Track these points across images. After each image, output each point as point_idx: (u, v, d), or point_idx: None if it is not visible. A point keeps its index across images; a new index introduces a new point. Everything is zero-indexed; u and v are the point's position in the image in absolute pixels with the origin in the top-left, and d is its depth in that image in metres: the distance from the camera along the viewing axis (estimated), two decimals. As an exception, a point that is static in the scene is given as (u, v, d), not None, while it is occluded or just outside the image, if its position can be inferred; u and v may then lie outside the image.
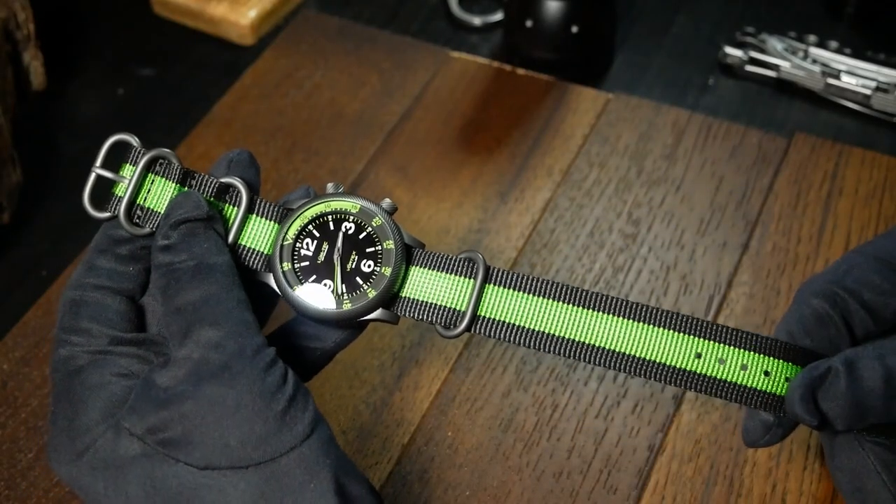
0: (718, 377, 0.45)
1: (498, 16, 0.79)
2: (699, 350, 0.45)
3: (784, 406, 0.44)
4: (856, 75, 0.72)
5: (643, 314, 0.45)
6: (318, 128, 0.71)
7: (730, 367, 0.45)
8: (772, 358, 0.45)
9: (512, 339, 0.46)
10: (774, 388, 0.45)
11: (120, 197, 0.44)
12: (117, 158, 0.45)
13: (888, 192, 0.66)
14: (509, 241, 0.64)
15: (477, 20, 0.80)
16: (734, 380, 0.45)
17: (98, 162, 0.45)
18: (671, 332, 0.45)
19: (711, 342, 0.45)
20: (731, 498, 0.53)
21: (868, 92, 0.71)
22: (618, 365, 0.45)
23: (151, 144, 0.45)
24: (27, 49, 0.70)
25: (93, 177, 0.45)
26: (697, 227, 0.65)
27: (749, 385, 0.45)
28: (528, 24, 0.73)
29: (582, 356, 0.46)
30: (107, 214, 0.44)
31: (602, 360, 0.45)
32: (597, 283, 0.62)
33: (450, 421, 0.56)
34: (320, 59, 0.76)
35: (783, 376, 0.45)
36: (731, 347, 0.45)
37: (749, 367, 0.45)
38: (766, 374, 0.45)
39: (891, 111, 0.72)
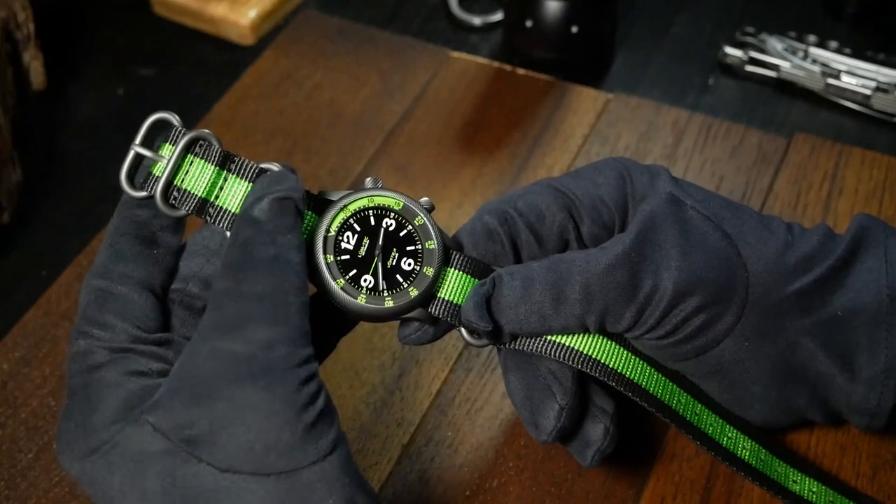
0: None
1: (498, 16, 0.79)
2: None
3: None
4: (856, 75, 0.72)
5: None
6: (318, 128, 0.71)
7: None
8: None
9: (542, 351, 0.48)
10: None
11: (157, 177, 0.43)
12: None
13: (888, 192, 0.66)
14: (509, 241, 0.64)
15: (477, 20, 0.80)
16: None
17: (138, 140, 0.44)
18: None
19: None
20: (731, 498, 0.53)
21: (868, 92, 0.71)
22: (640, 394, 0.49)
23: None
24: (27, 49, 0.70)
25: (131, 154, 0.44)
26: (697, 227, 0.65)
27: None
28: (528, 24, 0.73)
29: (610, 378, 0.48)
30: (143, 193, 0.44)
31: (627, 387, 0.48)
32: (597, 283, 0.62)
33: (450, 421, 0.56)
34: (320, 59, 0.76)
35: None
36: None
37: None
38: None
39: (891, 111, 0.72)
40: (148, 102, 0.75)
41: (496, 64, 0.75)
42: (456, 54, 0.76)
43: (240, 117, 0.72)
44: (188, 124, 0.71)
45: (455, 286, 0.47)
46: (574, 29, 0.72)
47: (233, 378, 0.39)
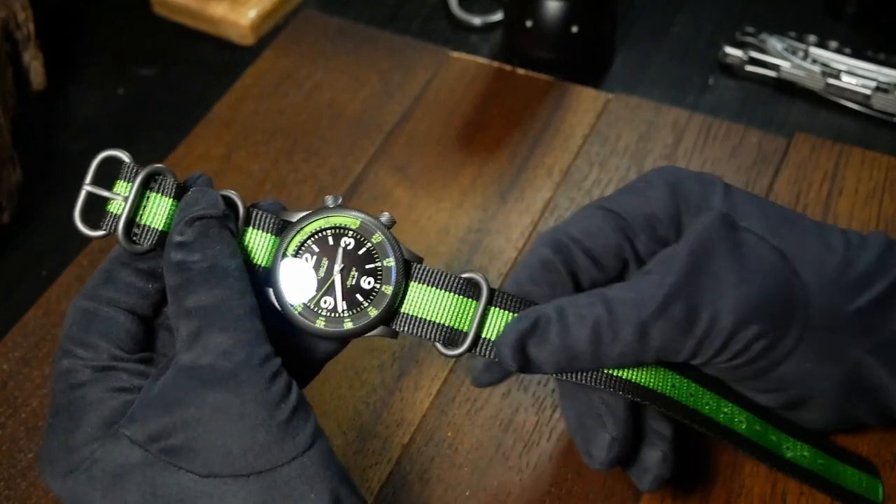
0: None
1: (498, 16, 0.79)
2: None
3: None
4: (856, 75, 0.72)
5: None
6: (318, 128, 0.71)
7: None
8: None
9: (585, 381, 0.47)
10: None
11: (116, 215, 0.44)
12: (103, 172, 0.45)
13: (888, 192, 0.66)
14: (509, 242, 0.64)
15: (477, 20, 0.80)
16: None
17: (88, 179, 0.44)
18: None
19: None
20: (731, 498, 0.53)
21: (868, 92, 0.71)
22: (621, 389, 0.47)
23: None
24: (27, 49, 0.70)
25: (83, 194, 0.44)
26: (697, 227, 0.65)
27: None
28: (528, 24, 0.73)
29: (587, 381, 0.47)
30: (101, 233, 0.44)
31: (610, 385, 0.47)
32: (597, 283, 0.62)
33: (450, 421, 0.56)
34: (320, 59, 0.76)
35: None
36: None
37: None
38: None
39: (891, 111, 0.72)
40: (148, 102, 0.75)
41: (496, 64, 0.75)
42: (456, 54, 0.76)
43: (240, 117, 0.72)
44: (188, 124, 0.72)
45: (420, 301, 0.46)
46: (574, 29, 0.72)
47: (198, 385, 0.40)
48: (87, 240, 0.64)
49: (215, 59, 0.78)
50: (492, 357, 0.46)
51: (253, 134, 0.71)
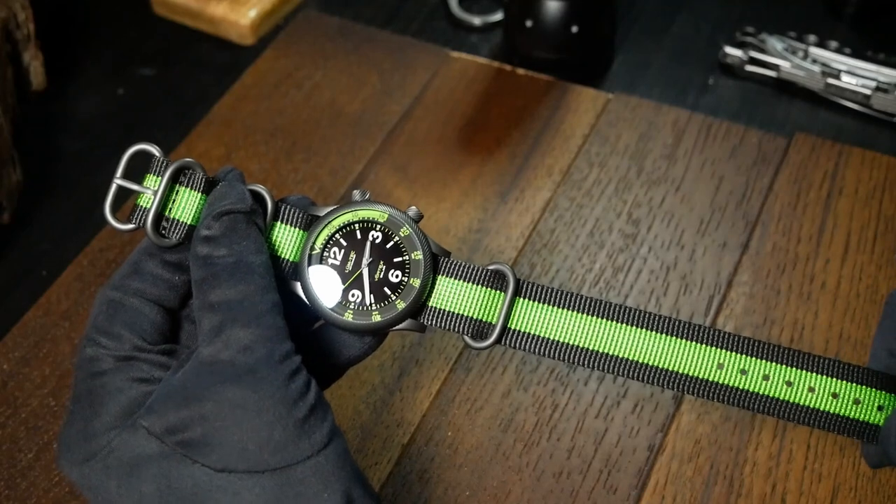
0: (792, 401, 0.45)
1: (498, 16, 0.79)
2: (743, 366, 0.46)
3: (880, 442, 0.45)
4: (856, 75, 0.72)
5: (674, 328, 0.46)
6: (318, 128, 0.71)
7: (801, 391, 0.45)
8: (861, 385, 0.46)
9: (541, 351, 0.46)
10: (867, 417, 0.46)
11: (145, 208, 0.44)
12: (132, 167, 0.45)
13: (888, 192, 0.66)
14: (509, 241, 0.64)
15: (477, 20, 0.80)
16: (814, 405, 0.45)
17: (119, 173, 0.44)
18: (701, 345, 0.46)
19: (753, 358, 0.46)
20: (731, 498, 0.53)
21: (868, 92, 0.71)
22: (649, 377, 0.46)
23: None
24: (27, 49, 0.70)
25: (114, 188, 0.44)
26: (697, 227, 0.65)
27: (841, 414, 0.45)
28: (528, 24, 0.73)
29: (613, 369, 0.46)
30: (131, 226, 0.44)
31: (633, 373, 0.46)
32: (597, 283, 0.62)
33: (450, 421, 0.56)
34: (320, 59, 0.76)
35: (875, 404, 0.46)
36: (776, 364, 0.46)
37: (839, 395, 0.46)
38: (857, 402, 0.46)
39: (891, 111, 0.72)
40: (148, 102, 0.75)
41: (496, 64, 0.75)
42: (456, 54, 0.76)
43: (240, 117, 0.72)
44: (188, 124, 0.72)
45: (447, 294, 0.46)
46: (574, 29, 0.72)
47: (218, 381, 0.40)
48: (88, 239, 0.64)
49: (215, 59, 0.78)
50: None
51: (253, 134, 0.71)
